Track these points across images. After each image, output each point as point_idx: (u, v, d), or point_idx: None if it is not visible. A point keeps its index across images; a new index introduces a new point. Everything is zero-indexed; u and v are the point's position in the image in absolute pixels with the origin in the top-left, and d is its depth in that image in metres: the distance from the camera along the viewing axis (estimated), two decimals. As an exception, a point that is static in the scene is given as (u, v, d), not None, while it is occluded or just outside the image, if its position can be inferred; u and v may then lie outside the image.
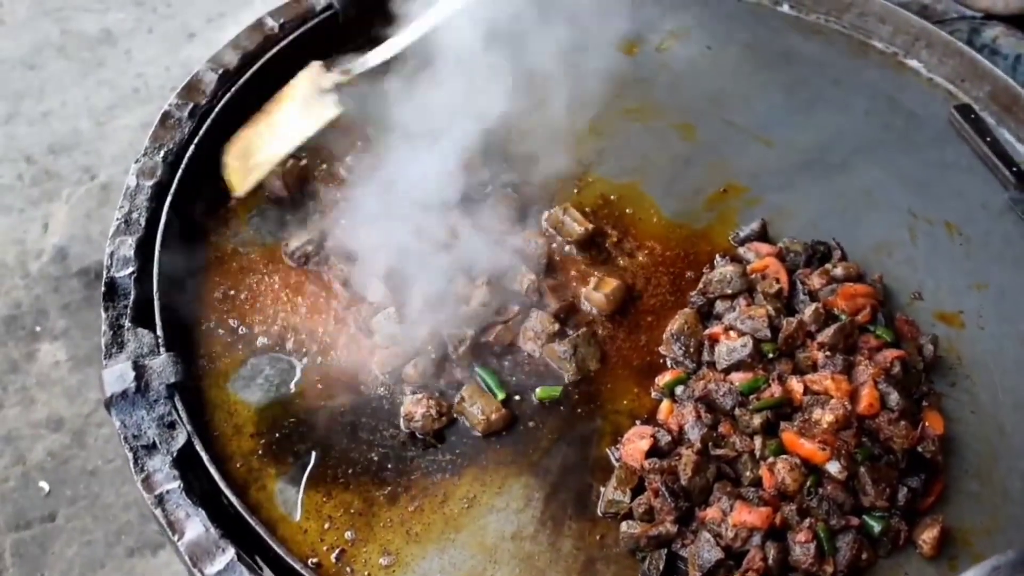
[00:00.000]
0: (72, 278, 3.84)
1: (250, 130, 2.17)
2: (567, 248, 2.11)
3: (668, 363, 1.94)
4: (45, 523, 3.25)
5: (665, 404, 1.85)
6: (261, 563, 1.64)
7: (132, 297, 1.90)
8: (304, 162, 2.18)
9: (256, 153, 2.13)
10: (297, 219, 2.13)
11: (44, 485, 3.32)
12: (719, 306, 1.97)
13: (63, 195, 4.13)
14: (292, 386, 1.89)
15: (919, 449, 1.76)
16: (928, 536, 1.69)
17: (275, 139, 2.14)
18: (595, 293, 2.00)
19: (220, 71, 2.24)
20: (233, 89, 2.22)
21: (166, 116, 2.15)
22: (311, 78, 2.17)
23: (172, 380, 1.78)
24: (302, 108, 2.14)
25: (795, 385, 1.79)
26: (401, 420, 1.84)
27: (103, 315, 1.88)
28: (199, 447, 1.72)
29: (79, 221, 4.03)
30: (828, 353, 1.83)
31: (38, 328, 3.71)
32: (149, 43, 4.82)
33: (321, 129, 2.13)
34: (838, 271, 1.99)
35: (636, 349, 1.97)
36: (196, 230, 2.07)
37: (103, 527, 3.24)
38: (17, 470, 3.35)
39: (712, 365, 1.88)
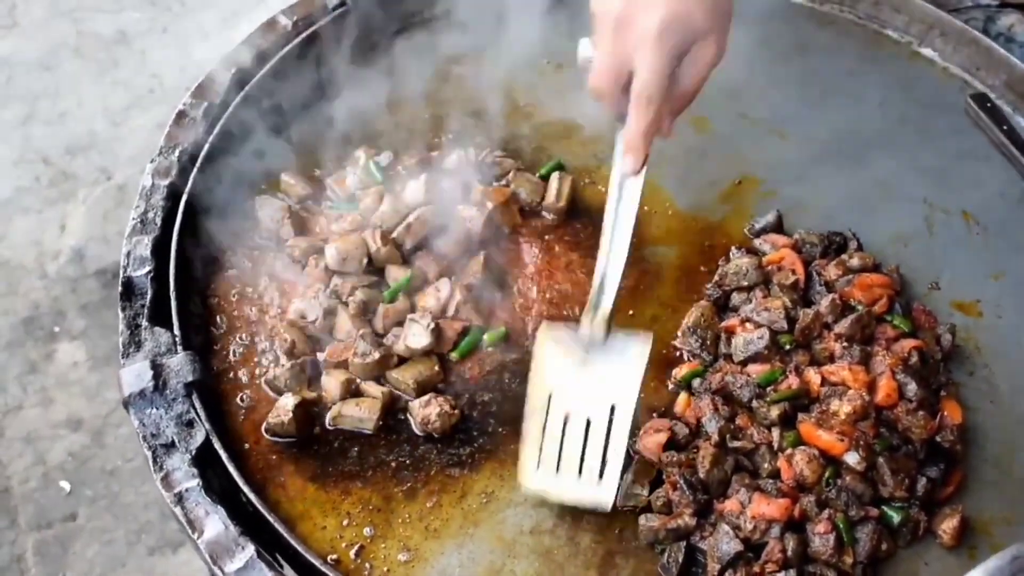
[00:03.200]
0: (89, 278, 3.87)
1: None
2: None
3: (685, 356, 1.93)
4: (66, 523, 3.27)
5: (682, 397, 1.84)
6: (281, 560, 1.65)
7: (149, 296, 1.90)
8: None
9: None
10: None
11: (65, 485, 3.35)
12: (735, 298, 1.97)
13: (80, 196, 4.15)
14: (310, 384, 1.89)
15: (938, 439, 1.75)
16: (948, 526, 1.69)
17: None
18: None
19: (234, 70, 2.25)
20: (247, 87, 2.23)
21: (181, 115, 2.16)
22: None
23: (190, 379, 1.79)
24: None
25: (812, 376, 1.79)
26: (416, 426, 1.83)
27: (120, 314, 1.88)
28: (217, 445, 1.73)
29: (96, 222, 4.05)
30: (845, 344, 1.83)
31: (56, 329, 3.73)
32: (164, 43, 4.85)
33: None
34: (854, 262, 1.98)
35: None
36: (212, 228, 2.07)
37: (123, 526, 3.26)
38: (38, 470, 3.37)
39: (729, 357, 1.88)
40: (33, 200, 4.15)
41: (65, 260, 3.93)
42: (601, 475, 1.70)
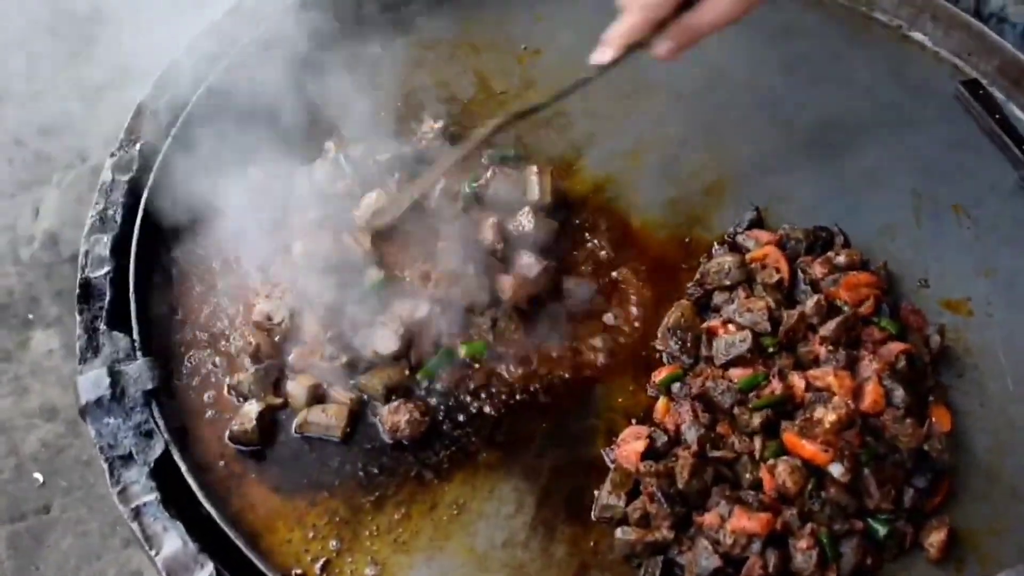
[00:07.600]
0: (64, 264, 3.78)
1: None
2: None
3: (664, 358, 1.87)
4: (40, 514, 3.21)
5: (661, 402, 1.78)
6: (243, 576, 1.59)
7: (108, 299, 1.83)
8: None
9: None
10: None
11: (38, 476, 3.28)
12: (717, 298, 1.90)
13: (53, 179, 4.06)
14: (275, 390, 1.82)
15: (926, 448, 1.69)
16: (935, 539, 1.63)
17: None
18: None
19: (197, 57, 2.18)
20: (211, 77, 2.16)
21: (140, 108, 2.09)
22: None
23: (149, 386, 1.72)
24: None
25: (796, 381, 1.73)
26: (385, 432, 1.77)
27: (77, 318, 1.81)
28: (177, 457, 1.67)
29: (70, 206, 3.97)
30: (831, 347, 1.76)
31: (30, 316, 3.66)
32: (140, 22, 4.75)
33: None
34: (841, 259, 1.92)
35: (631, 343, 1.90)
36: (174, 227, 1.99)
37: (98, 518, 3.20)
38: (11, 461, 3.30)
39: (710, 360, 1.81)
40: (6, 183, 4.06)
41: (39, 245, 3.84)
42: None
